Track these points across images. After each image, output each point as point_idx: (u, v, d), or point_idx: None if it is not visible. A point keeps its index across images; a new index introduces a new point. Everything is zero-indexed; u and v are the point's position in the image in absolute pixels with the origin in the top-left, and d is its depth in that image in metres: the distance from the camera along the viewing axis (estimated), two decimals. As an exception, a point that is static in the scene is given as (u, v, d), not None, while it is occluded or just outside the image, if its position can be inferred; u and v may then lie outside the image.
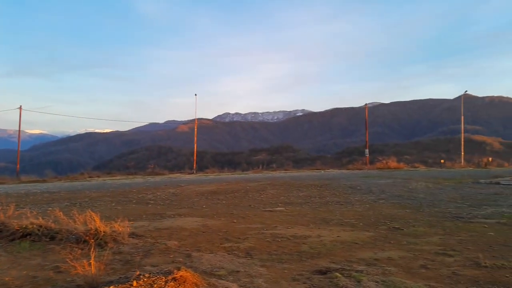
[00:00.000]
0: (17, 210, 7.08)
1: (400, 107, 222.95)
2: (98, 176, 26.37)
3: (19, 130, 32.49)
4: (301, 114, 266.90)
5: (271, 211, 9.42)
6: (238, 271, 4.27)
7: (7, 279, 3.69)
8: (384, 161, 33.08)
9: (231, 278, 4.02)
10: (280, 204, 10.60)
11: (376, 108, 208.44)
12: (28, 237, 6.03)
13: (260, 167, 36.19)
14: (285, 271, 4.36)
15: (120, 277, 3.43)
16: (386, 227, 7.13)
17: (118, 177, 25.98)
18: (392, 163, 32.12)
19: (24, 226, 6.23)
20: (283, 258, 4.92)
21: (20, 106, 30.87)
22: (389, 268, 4.37)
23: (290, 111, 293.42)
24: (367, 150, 38.60)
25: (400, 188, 14.13)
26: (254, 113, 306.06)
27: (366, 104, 46.86)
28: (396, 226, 7.11)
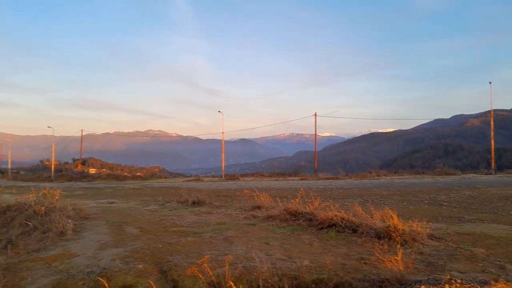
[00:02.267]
0: (322, 203, 8.21)
1: None
2: (385, 175, 26.99)
3: (315, 134, 37.11)
4: None
5: None
6: None
7: (327, 262, 4.31)
8: None
9: None
10: None
11: None
12: (333, 227, 6.87)
13: None
14: None
15: (428, 278, 3.36)
16: None
17: (405, 176, 25.78)
18: None
19: (329, 217, 7.13)
20: None
21: (315, 113, 35.28)
22: None
23: None
24: None
25: None
26: None
27: None
28: None
